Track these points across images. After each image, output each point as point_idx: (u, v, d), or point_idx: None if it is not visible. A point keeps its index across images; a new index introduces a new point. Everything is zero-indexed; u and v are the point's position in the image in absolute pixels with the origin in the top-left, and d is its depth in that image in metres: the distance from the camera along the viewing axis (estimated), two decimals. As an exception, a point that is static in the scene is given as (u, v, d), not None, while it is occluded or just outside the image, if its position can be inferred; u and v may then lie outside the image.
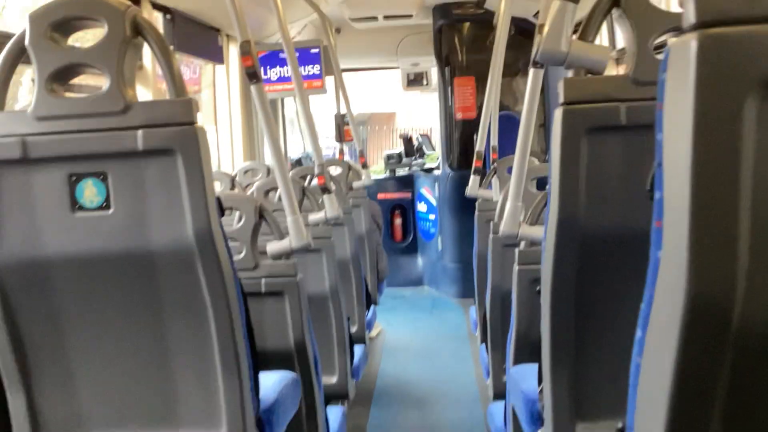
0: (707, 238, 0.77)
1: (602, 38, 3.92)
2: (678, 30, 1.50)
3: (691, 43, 0.76)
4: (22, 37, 1.50)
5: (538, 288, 1.73)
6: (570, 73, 1.62)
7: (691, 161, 0.76)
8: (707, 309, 0.78)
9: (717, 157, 0.76)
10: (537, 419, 1.88)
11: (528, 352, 2.35)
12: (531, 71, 2.38)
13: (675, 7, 2.83)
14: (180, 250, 1.53)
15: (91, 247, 1.54)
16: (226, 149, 4.96)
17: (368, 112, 12.43)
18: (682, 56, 0.77)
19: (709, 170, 0.76)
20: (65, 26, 1.52)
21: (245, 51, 2.26)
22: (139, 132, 1.48)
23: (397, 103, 14.09)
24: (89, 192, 1.51)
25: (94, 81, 2.24)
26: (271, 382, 2.01)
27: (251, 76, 2.27)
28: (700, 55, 0.75)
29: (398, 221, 6.88)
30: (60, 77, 1.52)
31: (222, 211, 1.61)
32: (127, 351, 1.64)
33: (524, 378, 2.06)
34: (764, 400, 0.83)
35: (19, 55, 1.54)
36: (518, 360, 2.35)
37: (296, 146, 7.41)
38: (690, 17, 0.77)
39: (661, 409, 0.85)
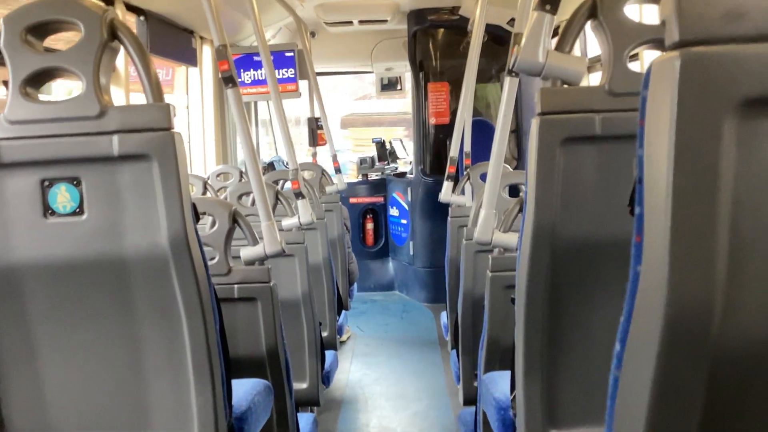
0: (686, 254, 0.78)
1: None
2: (654, 42, 1.53)
3: (673, 61, 0.77)
4: None
5: (512, 296, 1.74)
6: (541, 81, 1.64)
7: (672, 178, 0.77)
8: (686, 324, 0.79)
9: (697, 174, 0.77)
10: (509, 426, 1.89)
11: (499, 358, 2.36)
12: (507, 80, 2.39)
13: (648, 19, 2.87)
14: (154, 256, 1.52)
15: (64, 252, 1.52)
16: (198, 152, 4.93)
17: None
18: (665, 74, 0.78)
19: (688, 187, 0.77)
20: (41, 29, 1.50)
21: (222, 55, 2.24)
22: (115, 137, 1.46)
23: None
24: (62, 197, 1.49)
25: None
26: (244, 390, 2.00)
27: (227, 80, 2.25)
28: (682, 73, 0.76)
29: (370, 225, 6.87)
30: (35, 81, 1.50)
31: (197, 217, 1.60)
32: (99, 358, 1.62)
33: (496, 385, 2.07)
34: (740, 412, 0.84)
35: None
36: (489, 366, 2.36)
37: (269, 149, 7.38)
38: (673, 35, 0.78)
39: (639, 423, 0.86)
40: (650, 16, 2.89)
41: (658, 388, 0.83)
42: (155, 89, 1.54)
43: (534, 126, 1.54)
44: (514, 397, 1.82)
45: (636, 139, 0.89)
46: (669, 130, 0.77)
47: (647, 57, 3.06)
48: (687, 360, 0.81)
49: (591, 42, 4.11)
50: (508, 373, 1.93)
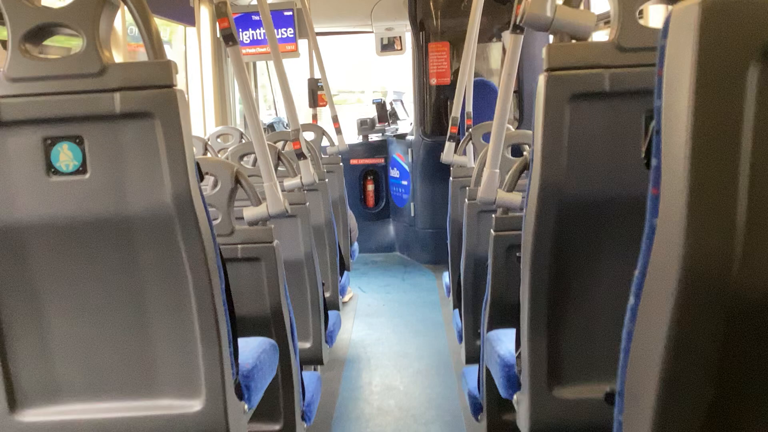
0: (705, 205, 0.77)
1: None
2: None
3: (694, 9, 0.75)
4: None
5: (518, 254, 1.74)
6: (540, 37, 1.62)
7: (692, 128, 0.76)
8: (703, 276, 0.79)
9: (717, 124, 0.76)
10: (514, 383, 1.91)
11: (502, 317, 2.37)
12: (511, 37, 2.36)
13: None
14: (158, 215, 1.51)
15: (67, 212, 1.51)
16: (197, 113, 4.89)
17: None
18: (685, 23, 0.77)
19: (708, 137, 0.76)
20: None
21: (221, 12, 2.19)
22: (117, 94, 1.45)
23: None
24: (65, 156, 1.48)
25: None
26: (249, 348, 2.01)
27: (227, 38, 2.21)
28: (702, 21, 0.75)
29: (370, 187, 6.85)
30: (34, 37, 1.47)
31: (201, 176, 1.59)
32: (104, 317, 1.62)
33: (501, 342, 2.08)
34: (757, 365, 0.84)
35: None
36: (492, 325, 2.37)
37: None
38: None
39: (654, 376, 0.86)
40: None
41: (673, 341, 0.83)
42: (156, 46, 1.52)
43: (541, 82, 1.52)
44: (519, 354, 1.83)
45: (646, 95, 0.88)
46: (689, 80, 0.76)
47: (653, 12, 3.03)
48: (704, 312, 0.81)
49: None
50: (512, 330, 1.93)
